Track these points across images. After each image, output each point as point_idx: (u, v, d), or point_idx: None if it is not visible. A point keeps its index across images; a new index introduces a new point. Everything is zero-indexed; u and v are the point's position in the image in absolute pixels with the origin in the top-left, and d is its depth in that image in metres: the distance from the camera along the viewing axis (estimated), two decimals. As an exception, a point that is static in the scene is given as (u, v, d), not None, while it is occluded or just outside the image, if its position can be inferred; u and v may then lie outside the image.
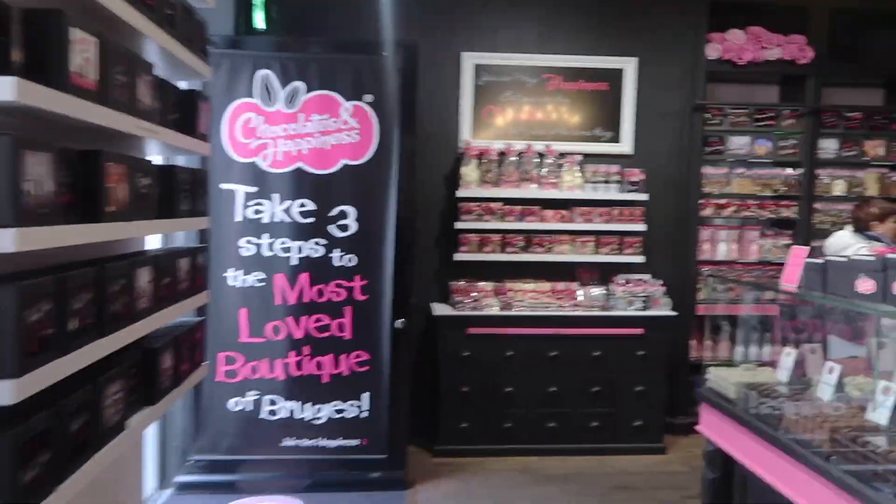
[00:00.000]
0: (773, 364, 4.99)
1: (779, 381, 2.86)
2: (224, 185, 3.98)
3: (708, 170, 5.47)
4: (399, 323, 4.13)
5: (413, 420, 4.40)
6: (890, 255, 2.31)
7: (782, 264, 5.55)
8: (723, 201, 5.46)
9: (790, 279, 2.89)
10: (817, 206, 5.54)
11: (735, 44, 5.32)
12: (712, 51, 5.31)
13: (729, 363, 4.14)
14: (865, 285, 2.41)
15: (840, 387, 2.54)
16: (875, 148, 5.59)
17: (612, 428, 4.91)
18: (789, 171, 5.53)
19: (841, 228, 5.04)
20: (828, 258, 2.78)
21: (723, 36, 5.33)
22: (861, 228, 4.66)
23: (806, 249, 2.97)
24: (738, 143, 5.48)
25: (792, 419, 2.51)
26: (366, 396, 4.14)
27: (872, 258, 2.40)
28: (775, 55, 5.34)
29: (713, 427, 3.08)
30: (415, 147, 4.30)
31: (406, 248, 4.18)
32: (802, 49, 5.36)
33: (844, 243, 4.59)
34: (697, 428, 3.26)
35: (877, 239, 4.55)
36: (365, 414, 4.14)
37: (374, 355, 4.12)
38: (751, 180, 5.49)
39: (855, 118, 5.56)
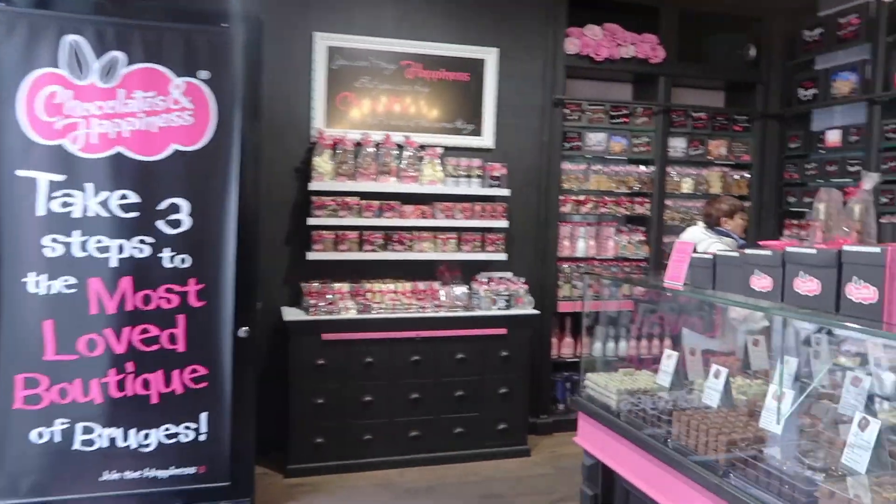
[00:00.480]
0: (631, 360, 4.93)
1: (661, 386, 2.61)
2: (21, 172, 3.21)
3: (567, 166, 5.30)
4: (242, 331, 3.55)
5: (262, 439, 3.83)
6: (789, 249, 2.09)
7: (637, 260, 5.55)
8: (581, 198, 5.32)
9: (675, 276, 2.64)
10: (668, 202, 5.54)
11: (593, 39, 5.17)
12: (571, 45, 5.13)
13: (592, 359, 3.94)
14: (762, 282, 2.18)
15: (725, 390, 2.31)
16: (718, 147, 5.68)
17: (477, 433, 4.59)
18: (643, 168, 5.48)
19: (691, 224, 5.03)
20: (718, 253, 2.56)
21: (581, 31, 5.17)
22: (712, 224, 4.65)
23: (691, 244, 2.74)
24: (596, 140, 5.36)
25: (681, 431, 2.24)
26: (203, 417, 3.52)
27: (770, 252, 2.17)
28: (630, 53, 5.25)
29: (592, 439, 2.79)
30: (260, 133, 3.73)
31: (250, 247, 3.60)
32: (654, 48, 5.31)
33: (697, 239, 4.56)
34: (575, 440, 2.95)
35: (727, 234, 4.56)
36: (203, 437, 3.53)
37: (213, 369, 3.52)
38: (607, 177, 5.39)
39: (700, 118, 5.61)
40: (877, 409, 2.15)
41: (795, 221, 5.56)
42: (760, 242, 2.35)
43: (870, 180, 2.56)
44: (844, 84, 5.09)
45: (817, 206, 2.52)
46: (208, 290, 3.49)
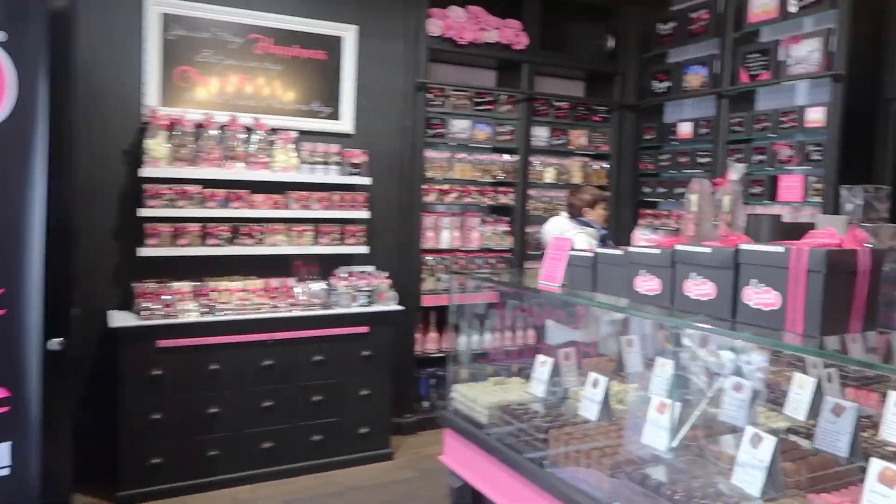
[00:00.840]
0: (497, 356, 4.75)
1: (534, 396, 2.36)
2: None
3: (430, 153, 5.01)
4: (54, 343, 2.95)
5: (87, 464, 3.25)
6: (680, 248, 1.88)
7: (502, 251, 5.38)
8: (446, 187, 5.05)
9: (551, 276, 2.40)
10: (531, 192, 5.40)
11: (456, 21, 4.90)
12: (434, 27, 4.83)
13: (459, 360, 3.69)
14: (648, 284, 1.97)
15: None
16: (578, 137, 5.62)
17: (337, 439, 4.22)
18: (507, 157, 5.30)
19: (553, 215, 4.93)
20: (600, 251, 2.34)
21: (444, 12, 4.88)
22: (575, 214, 4.58)
23: (568, 241, 2.51)
24: (460, 127, 5.11)
25: (559, 450, 2.00)
26: (4, 448, 2.89)
27: (658, 251, 1.96)
28: (494, 38, 5.03)
29: (461, 459, 2.50)
30: (74, 109, 3.12)
31: (64, 243, 3.00)
32: (518, 35, 5.13)
33: (561, 228, 4.47)
34: (442, 459, 2.66)
35: (589, 224, 4.49)
36: (4, 472, 2.90)
37: (17, 390, 2.89)
38: (472, 165, 5.16)
39: (562, 108, 5.51)
40: (755, 413, 2.02)
41: (650, 211, 5.62)
42: (650, 239, 2.15)
43: (737, 171, 2.45)
44: (695, 77, 5.16)
45: (690, 197, 2.37)
46: (7, 295, 2.85)
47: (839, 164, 4.11)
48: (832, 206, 4.03)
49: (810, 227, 2.49)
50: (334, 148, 4.51)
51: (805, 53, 4.34)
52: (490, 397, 2.46)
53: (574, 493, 1.89)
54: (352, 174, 4.54)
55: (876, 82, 4.19)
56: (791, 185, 4.43)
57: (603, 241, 4.42)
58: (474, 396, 2.50)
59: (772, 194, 4.54)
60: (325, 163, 4.46)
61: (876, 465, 1.49)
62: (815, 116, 4.28)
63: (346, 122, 4.71)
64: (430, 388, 5.00)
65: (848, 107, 4.09)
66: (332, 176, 4.46)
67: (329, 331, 4.14)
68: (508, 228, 5.29)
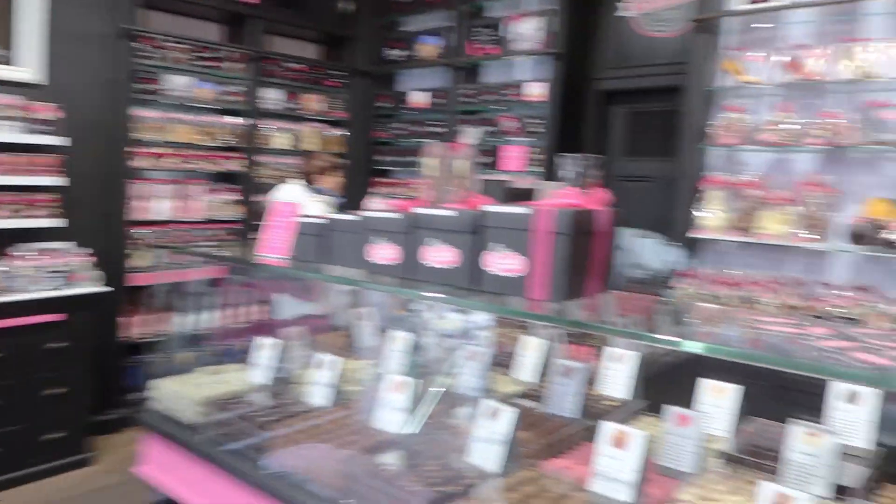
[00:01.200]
0: (219, 337, 4.22)
1: (254, 385, 1.98)
2: None
3: (143, 112, 4.27)
4: None
5: None
6: (419, 211, 1.62)
7: (231, 222, 4.81)
8: (162, 150, 4.35)
9: (276, 247, 2.00)
10: (261, 158, 4.91)
11: (169, -39, 4.21)
12: (140, -36, 4.08)
13: (160, 344, 3.15)
14: (385, 253, 1.68)
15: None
16: (313, 102, 5.25)
17: (17, 450, 3.41)
18: (236, 119, 4.74)
19: (283, 182, 4.53)
20: (332, 216, 1.99)
21: (154, -51, 4.16)
22: (309, 182, 4.24)
23: (292, 206, 2.13)
24: (178, 84, 4.43)
25: (280, 447, 1.65)
26: None
27: (397, 216, 1.68)
28: (218, -14, 4.43)
29: (163, 468, 2.03)
30: None
31: None
32: (243, -14, 4.58)
33: (294, 196, 4.09)
34: (139, 471, 2.15)
35: (325, 192, 4.20)
36: None
37: None
38: (194, 127, 4.52)
39: (297, 70, 5.09)
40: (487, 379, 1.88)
41: (383, 180, 5.45)
42: (384, 202, 1.88)
43: (472, 136, 2.30)
44: (429, 47, 5.08)
45: (426, 160, 2.16)
46: None
47: (556, 135, 4.28)
48: (549, 175, 4.19)
49: (532, 192, 2.44)
50: (15, 100, 3.61)
51: (527, 31, 4.44)
52: (199, 391, 2.02)
53: (299, 495, 1.57)
54: (40, 132, 3.67)
55: (585, 62, 4.43)
56: (513, 154, 4.54)
57: (341, 210, 4.15)
58: (180, 392, 2.04)
59: (495, 164, 4.62)
60: (2, 117, 3.55)
61: (607, 428, 1.38)
62: (536, 91, 4.42)
63: (30, 70, 3.79)
64: (142, 377, 4.29)
65: (564, 83, 4.27)
66: (12, 134, 3.56)
67: (6, 322, 3.30)
68: (237, 197, 4.75)
